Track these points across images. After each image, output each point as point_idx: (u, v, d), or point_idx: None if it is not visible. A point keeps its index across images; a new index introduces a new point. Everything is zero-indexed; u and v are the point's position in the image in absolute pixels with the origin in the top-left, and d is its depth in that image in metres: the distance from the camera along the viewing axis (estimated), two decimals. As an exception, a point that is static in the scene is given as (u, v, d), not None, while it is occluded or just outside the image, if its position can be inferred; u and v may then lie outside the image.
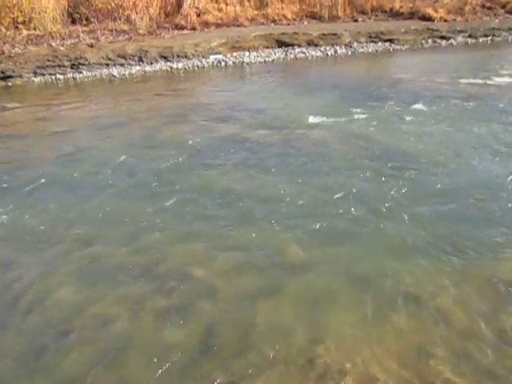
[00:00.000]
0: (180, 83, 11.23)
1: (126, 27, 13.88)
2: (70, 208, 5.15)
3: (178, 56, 12.61)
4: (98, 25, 13.68)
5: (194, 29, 14.48)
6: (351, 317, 3.56)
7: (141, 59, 12.30)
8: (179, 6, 14.88)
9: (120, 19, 13.99)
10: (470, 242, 4.40)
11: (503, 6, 17.52)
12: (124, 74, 11.78)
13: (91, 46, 12.46)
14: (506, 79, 10.37)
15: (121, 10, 13.96)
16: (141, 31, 13.85)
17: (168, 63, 12.42)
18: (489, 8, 17.55)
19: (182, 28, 14.50)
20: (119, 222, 4.88)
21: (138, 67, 12.12)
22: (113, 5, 13.85)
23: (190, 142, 6.98)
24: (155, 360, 3.22)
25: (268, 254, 4.32)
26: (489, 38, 15.32)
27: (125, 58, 12.20)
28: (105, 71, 11.78)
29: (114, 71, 11.80)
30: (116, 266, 4.21)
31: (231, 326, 3.50)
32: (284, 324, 3.50)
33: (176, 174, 5.91)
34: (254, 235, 4.59)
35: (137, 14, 14.02)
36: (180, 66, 12.38)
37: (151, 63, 12.32)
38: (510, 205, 5.01)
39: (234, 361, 3.21)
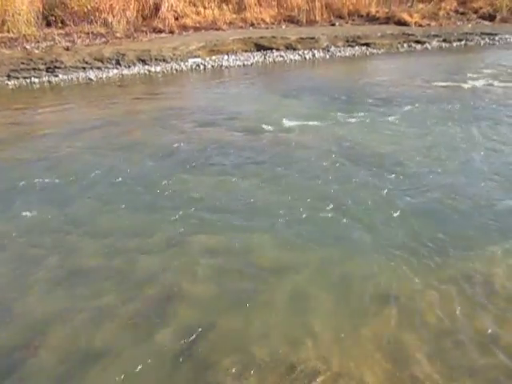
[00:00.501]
0: (158, 87, 11.16)
1: (102, 30, 13.72)
2: (45, 214, 5.06)
3: (156, 59, 12.53)
4: (74, 28, 13.50)
5: (172, 32, 14.42)
6: (329, 320, 3.59)
7: (118, 62, 12.18)
8: (157, 9, 14.78)
9: (96, 22, 13.82)
10: (445, 242, 4.49)
11: (476, 12, 17.95)
12: (101, 78, 11.65)
13: (67, 49, 12.29)
14: (480, 82, 10.63)
15: (97, 13, 13.80)
16: (118, 34, 13.71)
17: (146, 67, 12.33)
18: (462, 13, 17.96)
19: (160, 31, 14.41)
20: (95, 228, 4.82)
21: (115, 70, 11.99)
22: (89, 7, 13.67)
23: (169, 146, 6.95)
24: (131, 369, 3.18)
25: (245, 258, 4.32)
26: (462, 43, 15.67)
27: (102, 62, 12.05)
28: (81, 75, 11.62)
29: (91, 75, 11.66)
30: (91, 272, 4.15)
31: (208, 332, 3.48)
32: (262, 329, 3.51)
33: (154, 179, 5.87)
34: (231, 240, 4.59)
35: (114, 17, 13.87)
36: (158, 69, 12.31)
37: (129, 66, 12.20)
38: (484, 205, 5.13)
39: (211, 368, 3.19)
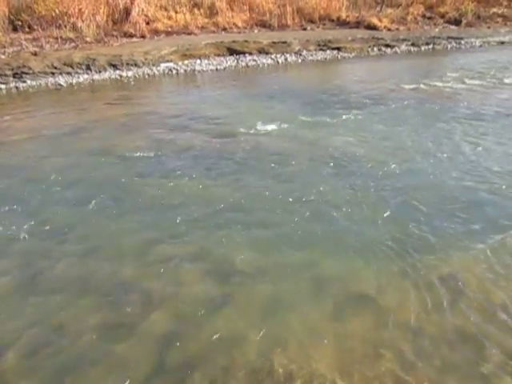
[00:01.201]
0: (130, 92, 11.01)
1: (72, 35, 13.48)
2: (13, 223, 4.92)
3: (127, 64, 12.38)
4: (42, 32, 13.21)
5: (143, 37, 14.28)
6: (306, 321, 3.60)
7: (89, 67, 11.98)
8: (127, 13, 14.62)
9: (65, 27, 13.57)
10: (417, 242, 4.58)
11: (442, 16, 18.45)
12: (71, 83, 11.43)
13: (35, 54, 12.01)
14: (447, 85, 10.90)
15: (66, 18, 13.55)
16: (88, 39, 13.49)
17: (117, 71, 12.17)
18: (429, 18, 18.42)
19: (131, 36, 14.26)
20: (67, 236, 4.72)
21: (85, 76, 11.79)
22: (57, 12, 13.41)
23: (141, 151, 6.86)
24: (107, 378, 3.11)
25: (221, 261, 4.31)
26: (430, 46, 16.06)
27: (71, 67, 11.84)
28: (50, 80, 11.38)
29: (61, 80, 11.42)
30: (64, 279, 4.06)
31: (185, 337, 3.45)
32: (239, 332, 3.50)
33: (126, 185, 5.79)
34: (205, 244, 4.57)
35: (83, 21, 13.65)
36: (130, 74, 12.16)
37: (100, 72, 12.02)
38: (452, 205, 5.24)
39: (189, 374, 3.16)
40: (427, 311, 3.69)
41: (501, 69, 12.52)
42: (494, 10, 18.95)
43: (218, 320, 3.61)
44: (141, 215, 5.09)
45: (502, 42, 16.71)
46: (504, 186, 5.67)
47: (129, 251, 4.47)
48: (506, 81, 11.17)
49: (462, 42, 16.48)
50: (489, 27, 18.19)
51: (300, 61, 14.16)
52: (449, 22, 18.30)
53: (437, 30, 17.59)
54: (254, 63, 13.63)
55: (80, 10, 13.73)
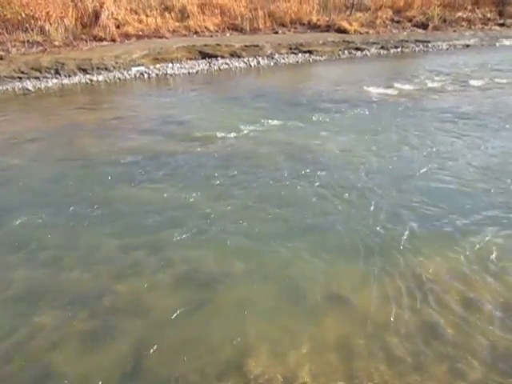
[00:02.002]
0: (101, 96, 10.85)
1: (39, 38, 13.17)
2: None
3: (97, 68, 12.18)
4: (8, 36, 12.86)
5: (113, 40, 14.08)
6: (281, 324, 3.61)
7: (57, 72, 11.73)
8: (97, 17, 14.38)
9: (33, 30, 13.25)
10: (390, 242, 4.65)
11: (410, 20, 18.84)
12: (40, 88, 11.17)
13: (1, 58, 11.69)
14: (416, 87, 11.14)
15: (33, 21, 13.23)
16: (56, 43, 13.21)
17: (87, 76, 11.95)
18: (397, 22, 18.80)
19: (101, 39, 14.04)
20: (34, 244, 4.60)
21: (54, 80, 11.54)
22: (23, 15, 13.09)
23: (112, 157, 6.77)
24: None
25: (195, 266, 4.29)
26: (399, 50, 16.40)
27: (40, 71, 11.57)
28: (17, 85, 11.09)
29: (29, 85, 11.15)
30: (37, 286, 3.96)
31: (160, 343, 3.41)
32: (214, 337, 3.48)
33: (96, 192, 5.69)
34: (178, 250, 4.53)
35: (51, 24, 13.36)
36: (100, 78, 11.97)
37: (69, 76, 11.79)
38: (428, 205, 5.35)
39: (165, 380, 3.11)
40: (403, 310, 3.75)
41: (467, 71, 12.88)
42: (459, 14, 19.49)
43: (191, 325, 3.59)
44: (112, 222, 5.01)
45: (467, 45, 17.20)
46: (478, 185, 5.82)
47: (100, 258, 4.40)
48: (472, 82, 11.49)
49: (430, 45, 16.88)
50: (454, 31, 18.69)
51: (272, 64, 14.22)
52: (416, 25, 18.71)
53: (405, 33, 17.96)
54: (226, 66, 13.62)
55: (47, 13, 13.43)
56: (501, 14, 19.76)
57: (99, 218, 5.10)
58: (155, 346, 3.37)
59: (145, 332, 3.52)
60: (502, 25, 19.46)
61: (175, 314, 3.69)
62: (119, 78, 12.12)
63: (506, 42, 17.56)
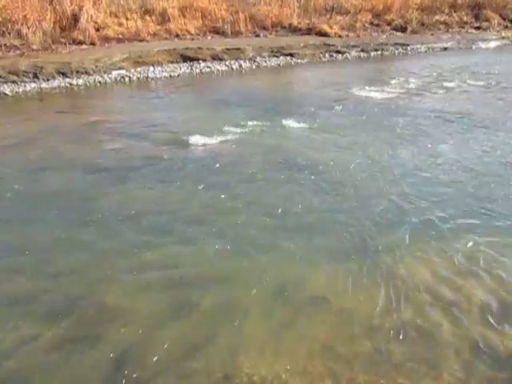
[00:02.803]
0: (81, 100, 10.70)
1: (17, 42, 12.93)
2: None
3: (77, 72, 11.99)
4: (-16, 40, 12.60)
5: (93, 44, 13.90)
6: (267, 326, 3.59)
7: (36, 76, 11.51)
8: (76, 20, 14.18)
9: (9, 34, 12.99)
10: (371, 244, 4.67)
11: (389, 24, 19.09)
12: (17, 92, 10.94)
13: (-23, 62, 11.42)
14: (396, 89, 11.27)
15: (10, 24, 12.98)
16: (34, 46, 12.99)
17: (67, 79, 11.76)
18: (377, 25, 19.02)
19: (81, 43, 13.84)
20: (16, 248, 4.49)
21: (33, 84, 11.32)
22: (0, 19, 12.83)
23: (93, 162, 6.67)
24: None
25: (179, 271, 4.25)
26: (378, 52, 16.57)
27: (17, 75, 11.33)
28: (-6, 89, 10.85)
29: (6, 89, 10.92)
30: (17, 295, 3.86)
31: (145, 348, 3.35)
32: (199, 340, 3.44)
33: (76, 198, 5.60)
34: (162, 254, 4.50)
35: (28, 28, 13.12)
36: (80, 82, 11.79)
37: (48, 80, 11.58)
38: (407, 205, 5.39)
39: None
40: (385, 310, 3.76)
41: (445, 73, 13.10)
42: (437, 17, 19.81)
43: (177, 329, 3.54)
44: (93, 227, 4.93)
45: (445, 48, 17.48)
46: (455, 185, 5.90)
47: (84, 264, 4.31)
48: (450, 85, 11.68)
49: (409, 48, 17.11)
50: (432, 34, 18.99)
51: (254, 67, 14.23)
52: (395, 29, 18.96)
53: (384, 36, 18.18)
54: (208, 70, 13.57)
55: (25, 16, 13.19)
56: (477, 18, 20.16)
57: (79, 222, 5.01)
58: (141, 350, 3.31)
59: (131, 335, 3.46)
60: (478, 28, 19.86)
61: (162, 317, 3.64)
62: (99, 82, 11.96)
63: (482, 45, 17.92)
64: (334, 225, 4.99)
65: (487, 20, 19.97)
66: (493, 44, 18.08)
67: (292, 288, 4.00)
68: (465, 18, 20.06)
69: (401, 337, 3.49)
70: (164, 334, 3.49)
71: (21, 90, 11.05)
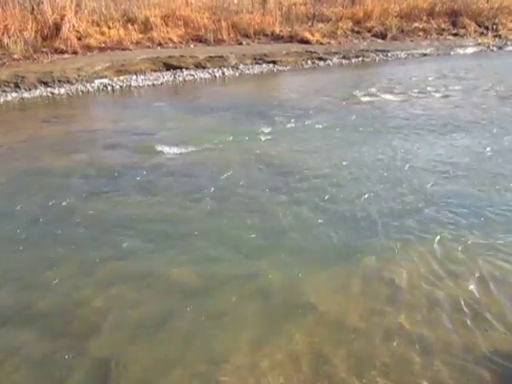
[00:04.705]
0: (63, 109, 10.59)
1: (-3, 52, 12.77)
2: None
3: (59, 81, 11.90)
4: (-36, 50, 12.42)
5: (75, 53, 13.81)
6: (250, 336, 3.58)
7: (17, 85, 11.39)
8: (57, 29, 14.07)
9: (-10, 43, 12.84)
10: (356, 248, 4.72)
11: (369, 31, 19.34)
12: (-2, 102, 10.80)
13: (-44, 72, 11.25)
14: (378, 95, 11.42)
15: (-10, 34, 12.83)
16: (15, 56, 12.85)
17: (49, 89, 11.65)
18: (358, 32, 19.26)
19: (63, 52, 13.74)
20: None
21: (14, 94, 11.19)
22: (-20, 28, 12.67)
23: (75, 172, 6.61)
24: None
25: (161, 280, 4.24)
26: (360, 59, 16.77)
27: (-2, 85, 11.19)
28: (-26, 100, 10.70)
29: (-14, 99, 10.77)
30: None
31: (128, 362, 3.31)
32: (182, 353, 3.41)
33: (58, 209, 5.53)
34: (143, 263, 4.47)
35: (9, 37, 12.98)
36: (62, 91, 11.69)
37: (29, 89, 11.46)
38: (392, 210, 5.45)
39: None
40: (371, 313, 3.79)
41: (425, 79, 13.30)
42: (416, 24, 20.15)
43: (160, 341, 3.51)
44: (75, 238, 4.88)
45: (425, 54, 17.78)
46: (440, 192, 5.99)
47: (63, 277, 4.27)
48: (430, 89, 11.87)
49: (389, 54, 17.36)
50: (412, 40, 19.30)
51: (237, 74, 14.28)
52: (376, 35, 19.22)
53: (365, 43, 18.41)
54: (191, 78, 13.57)
55: (6, 26, 13.05)
56: (454, 25, 20.55)
57: (61, 234, 4.95)
58: (124, 364, 3.27)
59: (113, 349, 3.42)
60: (455, 34, 20.24)
61: (144, 328, 3.61)
62: (82, 91, 11.87)
63: (460, 51, 18.28)
64: (322, 231, 5.02)
65: (464, 27, 20.37)
66: (470, 50, 18.46)
67: (277, 295, 4.01)
68: (443, 25, 20.44)
69: (388, 341, 3.52)
70: (147, 345, 3.46)
71: (1, 100, 10.91)
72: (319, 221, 5.19)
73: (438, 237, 4.88)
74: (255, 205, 5.59)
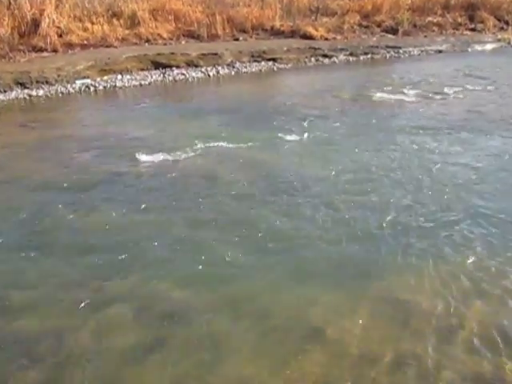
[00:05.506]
0: (42, 113, 10.65)
1: (-30, 50, 12.87)
2: None
3: (37, 82, 11.99)
4: None
5: (55, 51, 13.92)
6: (251, 365, 3.57)
7: (-9, 87, 11.46)
8: (36, 25, 14.19)
9: (-38, 41, 12.94)
10: (364, 265, 4.71)
11: (379, 25, 19.52)
12: (-30, 105, 10.87)
13: None
14: (390, 96, 11.47)
15: (-38, 31, 12.93)
16: (-11, 54, 12.94)
17: (26, 90, 11.74)
18: (366, 27, 19.43)
19: (42, 50, 13.85)
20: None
21: (-13, 96, 11.26)
22: (-48, 24, 12.78)
23: (54, 181, 6.64)
24: None
25: (152, 303, 4.24)
26: (368, 56, 16.90)
27: (-30, 86, 11.27)
28: None
29: (-43, 102, 10.83)
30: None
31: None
32: (181, 379, 3.41)
33: (36, 221, 5.56)
34: (132, 284, 4.49)
35: (-17, 35, 13.09)
36: (41, 93, 11.77)
37: (5, 91, 11.55)
38: (399, 227, 5.44)
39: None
40: (380, 339, 3.78)
41: (441, 78, 13.38)
42: (430, 18, 20.35)
43: (150, 369, 3.50)
44: (55, 256, 4.90)
45: (440, 51, 17.94)
46: (465, 203, 5.97)
47: (45, 298, 4.30)
48: (447, 90, 11.92)
49: (401, 51, 17.50)
50: (425, 36, 19.47)
51: (233, 73, 14.38)
52: (386, 30, 19.38)
53: (374, 38, 18.57)
54: (182, 77, 13.67)
55: (-21, 22, 13.17)
56: (471, 19, 20.75)
57: (39, 249, 4.97)
58: None
59: (100, 378, 3.42)
60: (472, 29, 20.44)
61: (133, 356, 3.63)
62: (62, 93, 11.95)
63: (478, 47, 18.43)
64: (324, 247, 5.02)
65: (482, 21, 20.58)
66: (489, 46, 18.61)
67: (279, 319, 4.01)
68: (459, 20, 20.64)
69: (399, 368, 3.51)
70: (135, 373, 3.46)
71: (-27, 103, 10.98)
72: (327, 236, 5.19)
73: (463, 255, 4.87)
74: (252, 219, 5.59)
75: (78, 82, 12.39)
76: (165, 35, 15.86)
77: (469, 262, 4.75)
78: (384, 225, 5.40)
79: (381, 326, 3.94)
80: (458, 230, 5.32)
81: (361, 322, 3.97)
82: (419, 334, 3.85)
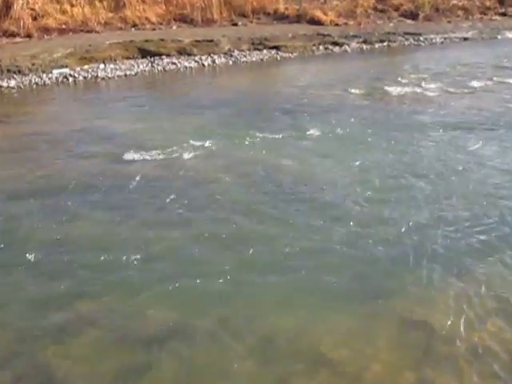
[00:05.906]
0: (13, 106, 10.66)
1: None
2: None
3: (8, 71, 11.99)
4: None
5: (29, 36, 13.97)
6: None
7: (-45, 76, 11.47)
8: (8, 7, 14.23)
9: None
10: (370, 284, 4.68)
11: (396, 9, 19.56)
12: None
13: None
14: (407, 90, 11.45)
15: None
16: (-46, 40, 12.97)
17: (-5, 81, 11.74)
18: (382, 11, 19.48)
19: (13, 35, 13.90)
20: None
21: (-49, 87, 11.27)
22: None
23: (24, 185, 6.61)
24: None
25: (135, 323, 4.20)
26: (385, 44, 16.93)
27: None
28: None
29: None
30: None
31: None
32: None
33: (6, 230, 5.50)
34: (114, 302, 4.45)
35: None
36: (12, 83, 11.75)
37: (-29, 81, 11.54)
38: (409, 241, 5.40)
39: None
40: (391, 366, 3.74)
41: (467, 70, 13.39)
42: (454, 1, 20.41)
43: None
44: (26, 269, 4.86)
45: (466, 39, 17.98)
46: (495, 212, 5.91)
47: (16, 319, 4.24)
48: (475, 84, 11.90)
49: (421, 38, 17.54)
50: (449, 21, 19.54)
51: (231, 63, 14.39)
52: (404, 15, 19.44)
53: (391, 24, 18.62)
54: (173, 67, 13.67)
55: None
56: (501, 2, 20.79)
57: (10, 263, 4.94)
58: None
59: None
60: (503, 14, 20.51)
61: (120, 379, 3.58)
62: (37, 83, 11.94)
63: (509, 35, 18.48)
64: (328, 261, 4.99)
65: (513, 5, 20.66)
66: (522, 33, 18.67)
67: (281, 342, 3.97)
68: (487, 3, 20.70)
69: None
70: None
71: None
72: (338, 247, 5.16)
73: (486, 271, 4.83)
74: (252, 228, 5.55)
75: (55, 72, 12.37)
76: (154, 19, 15.90)
77: (498, 281, 4.71)
78: (407, 238, 5.37)
79: (400, 350, 3.91)
80: (492, 245, 5.27)
81: (379, 345, 3.94)
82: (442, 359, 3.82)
